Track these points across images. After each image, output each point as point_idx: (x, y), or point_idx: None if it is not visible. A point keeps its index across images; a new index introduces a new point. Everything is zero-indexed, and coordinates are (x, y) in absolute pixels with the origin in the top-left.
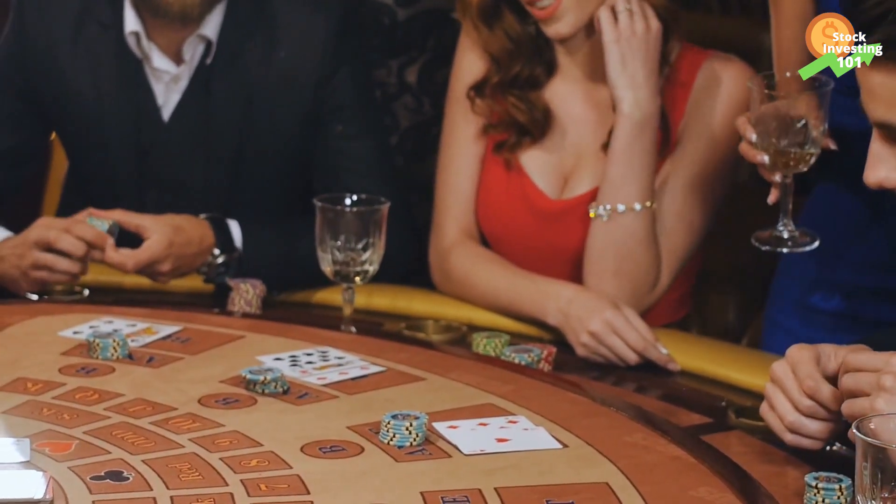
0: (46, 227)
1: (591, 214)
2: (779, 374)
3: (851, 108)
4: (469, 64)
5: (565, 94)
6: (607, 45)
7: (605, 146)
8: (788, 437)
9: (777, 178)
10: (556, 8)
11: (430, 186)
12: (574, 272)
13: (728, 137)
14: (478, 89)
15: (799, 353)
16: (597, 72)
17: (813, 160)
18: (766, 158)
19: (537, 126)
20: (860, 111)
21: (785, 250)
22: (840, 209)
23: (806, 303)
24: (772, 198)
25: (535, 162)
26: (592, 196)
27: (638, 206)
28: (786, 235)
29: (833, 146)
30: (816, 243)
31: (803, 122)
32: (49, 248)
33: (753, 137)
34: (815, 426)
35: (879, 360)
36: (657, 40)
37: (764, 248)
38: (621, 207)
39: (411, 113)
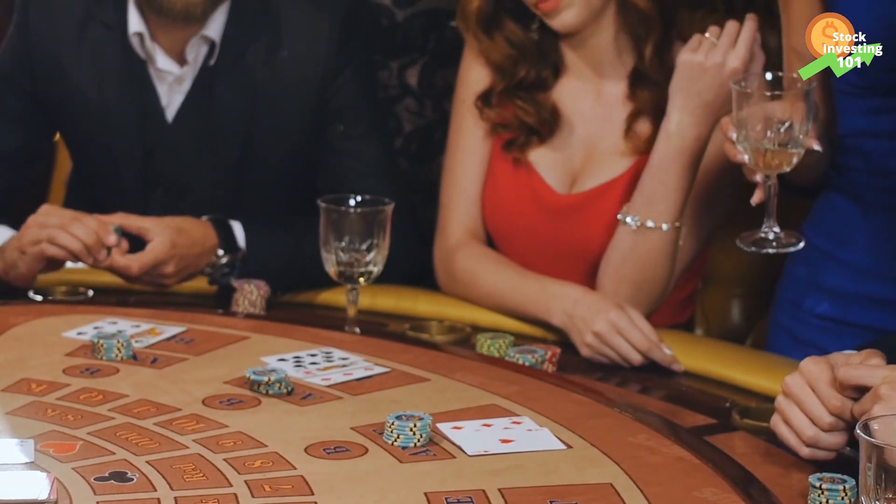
0: (59, 210)
1: (621, 220)
2: (794, 389)
3: (857, 110)
4: (476, 74)
5: (574, 91)
6: (678, 62)
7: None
8: (805, 452)
9: (758, 178)
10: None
11: (434, 189)
12: (582, 268)
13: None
14: (484, 99)
15: (816, 367)
16: (604, 67)
17: (796, 160)
18: (746, 158)
19: (545, 126)
20: (865, 112)
21: (770, 251)
22: (834, 214)
23: (800, 305)
24: (755, 199)
25: (544, 159)
26: (601, 191)
27: (665, 227)
28: (770, 237)
29: (816, 146)
30: (801, 244)
31: (788, 123)
32: None
33: (734, 136)
34: (833, 439)
35: (873, 374)
36: (729, 79)
37: (749, 250)
38: (650, 224)
39: (414, 116)
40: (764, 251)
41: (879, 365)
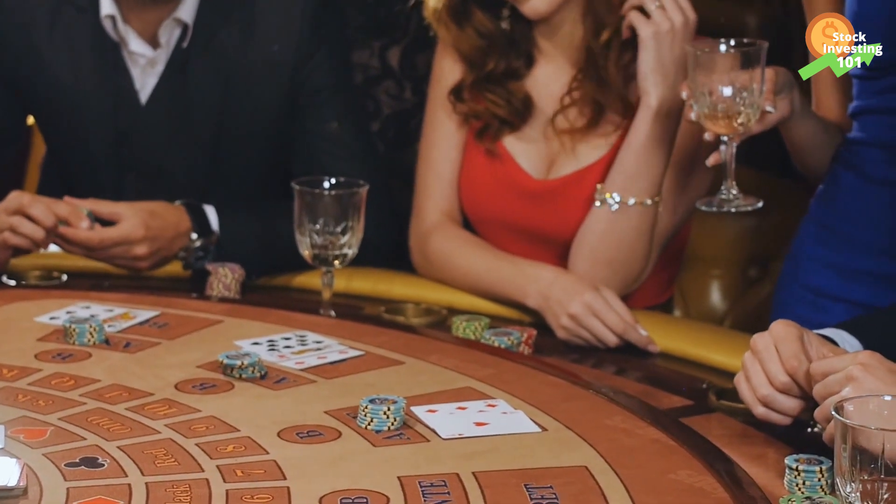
0: (21, 195)
1: (598, 201)
2: (760, 346)
3: (869, 90)
4: (448, 66)
5: (549, 77)
6: (644, 41)
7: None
8: (759, 410)
9: (707, 136)
10: None
11: (411, 173)
12: (559, 253)
13: None
14: (456, 93)
15: (784, 329)
16: (577, 53)
17: (751, 122)
18: (693, 115)
19: (517, 116)
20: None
21: (732, 210)
22: (838, 189)
23: (802, 282)
24: (710, 160)
25: (520, 145)
26: (579, 176)
27: (648, 202)
28: (730, 197)
29: (771, 108)
30: (760, 204)
31: (743, 88)
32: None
33: (684, 95)
34: (787, 403)
35: (840, 360)
36: (692, 33)
37: (710, 210)
38: (632, 201)
39: (393, 99)
40: (723, 210)
41: (843, 351)
